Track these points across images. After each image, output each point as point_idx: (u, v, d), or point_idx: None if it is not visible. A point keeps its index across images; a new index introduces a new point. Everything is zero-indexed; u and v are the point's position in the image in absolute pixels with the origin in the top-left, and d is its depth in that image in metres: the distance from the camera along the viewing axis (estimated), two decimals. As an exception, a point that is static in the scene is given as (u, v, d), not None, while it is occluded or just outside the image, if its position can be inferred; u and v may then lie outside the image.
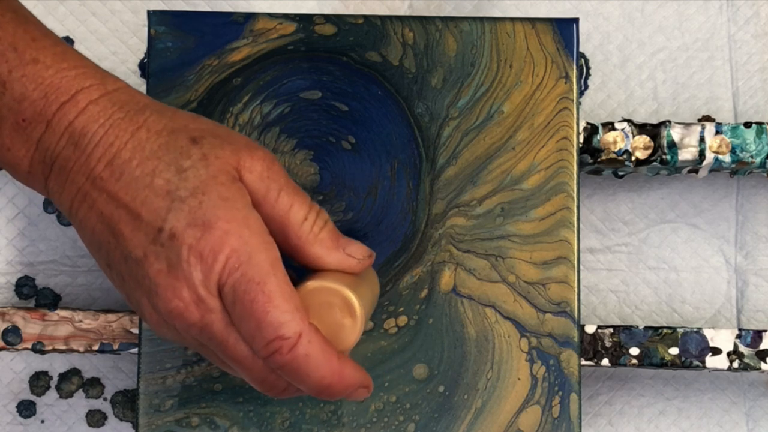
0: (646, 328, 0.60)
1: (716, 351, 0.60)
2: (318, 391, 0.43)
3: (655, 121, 0.65)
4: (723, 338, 0.60)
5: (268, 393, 0.45)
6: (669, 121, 0.61)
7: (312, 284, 0.44)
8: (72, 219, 0.44)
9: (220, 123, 0.55)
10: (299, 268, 0.46)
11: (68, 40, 0.66)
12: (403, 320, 0.55)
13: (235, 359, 0.43)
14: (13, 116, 0.43)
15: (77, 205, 0.43)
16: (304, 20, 0.57)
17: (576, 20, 0.57)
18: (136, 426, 0.55)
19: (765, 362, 0.60)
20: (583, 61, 0.66)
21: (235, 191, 0.42)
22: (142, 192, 0.42)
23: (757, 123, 0.60)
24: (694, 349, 0.60)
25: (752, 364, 0.60)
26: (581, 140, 0.60)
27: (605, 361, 0.59)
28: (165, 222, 0.41)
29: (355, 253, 0.46)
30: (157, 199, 0.42)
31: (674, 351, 0.60)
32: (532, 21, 0.57)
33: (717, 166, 0.61)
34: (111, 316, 0.60)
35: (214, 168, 0.42)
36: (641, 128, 0.60)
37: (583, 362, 0.59)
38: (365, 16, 0.57)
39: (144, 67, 0.66)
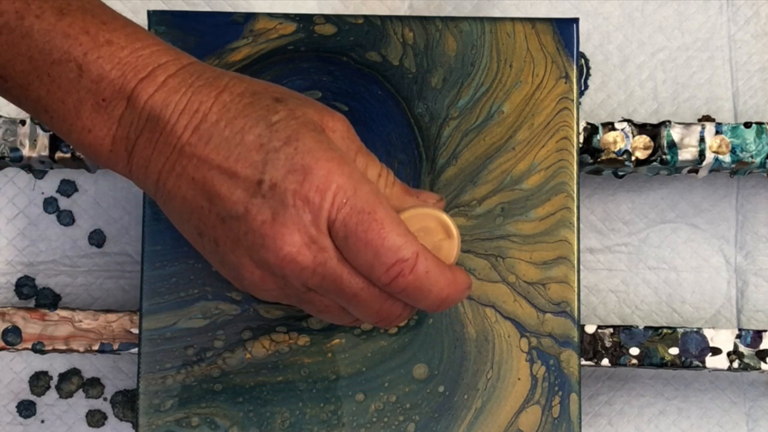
0: (646, 328, 0.60)
1: (716, 351, 0.60)
2: (438, 303, 0.45)
3: (655, 121, 0.65)
4: (723, 338, 0.60)
5: (381, 324, 0.46)
6: (669, 121, 0.61)
7: (408, 213, 0.46)
8: (158, 192, 0.45)
9: None
10: None
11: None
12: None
13: (350, 294, 0.44)
14: (93, 98, 0.44)
15: (165, 176, 0.44)
16: (304, 20, 0.57)
17: (576, 20, 0.57)
18: (136, 426, 0.55)
19: (765, 362, 0.60)
20: (583, 61, 0.66)
21: (326, 137, 0.43)
22: (234, 150, 0.43)
23: (757, 123, 0.60)
24: (694, 349, 0.60)
25: (752, 364, 0.60)
26: (581, 140, 0.60)
27: (605, 361, 0.60)
28: (263, 174, 0.42)
29: (429, 198, 0.47)
30: (251, 154, 0.42)
31: (674, 351, 0.60)
32: (532, 21, 0.57)
33: (717, 166, 0.61)
34: (111, 316, 0.60)
35: (302, 120, 0.43)
36: (641, 128, 0.60)
37: (583, 362, 0.59)
38: (365, 16, 0.57)
39: (144, 67, 0.66)
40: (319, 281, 0.43)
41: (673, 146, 0.60)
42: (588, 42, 0.66)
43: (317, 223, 0.42)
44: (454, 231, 0.47)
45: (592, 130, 0.60)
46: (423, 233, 0.46)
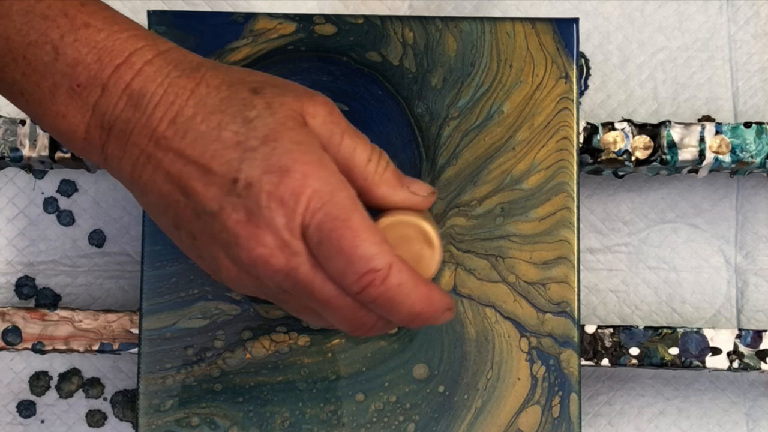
0: (646, 328, 0.60)
1: (716, 351, 0.60)
2: (410, 318, 0.43)
3: (655, 121, 0.65)
4: (723, 338, 0.60)
5: (356, 333, 0.45)
6: (669, 121, 0.61)
7: (387, 220, 0.45)
8: (134, 184, 0.44)
9: None
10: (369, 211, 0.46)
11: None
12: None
13: (322, 300, 0.43)
14: (68, 82, 0.43)
15: (140, 169, 0.43)
16: (304, 20, 0.57)
17: (576, 20, 0.57)
18: (136, 426, 0.55)
19: (765, 362, 0.60)
20: (583, 61, 0.66)
21: (306, 135, 0.42)
22: (210, 146, 0.42)
23: (757, 123, 0.60)
24: (694, 349, 0.60)
25: (752, 364, 0.60)
26: (581, 140, 0.60)
27: (605, 361, 0.59)
28: (239, 172, 0.41)
29: (420, 191, 0.46)
30: (228, 151, 0.42)
31: (674, 351, 0.60)
32: (532, 21, 0.57)
33: (717, 166, 0.61)
34: (111, 316, 0.60)
35: (281, 114, 0.42)
36: (641, 128, 0.60)
37: (583, 362, 0.59)
38: (365, 16, 0.57)
39: (144, 67, 0.66)
40: (292, 285, 0.43)
41: (673, 146, 0.60)
42: (588, 42, 0.66)
43: (291, 227, 0.41)
44: (435, 241, 0.45)
45: (592, 130, 0.60)
46: (403, 242, 0.45)
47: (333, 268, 0.42)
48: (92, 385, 0.65)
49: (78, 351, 0.60)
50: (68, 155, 0.60)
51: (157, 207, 0.44)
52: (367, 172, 0.44)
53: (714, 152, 0.60)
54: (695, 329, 0.60)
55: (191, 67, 0.44)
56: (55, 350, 0.60)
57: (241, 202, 0.41)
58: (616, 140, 0.60)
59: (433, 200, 0.47)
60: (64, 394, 0.65)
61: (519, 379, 0.55)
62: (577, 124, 0.56)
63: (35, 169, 0.65)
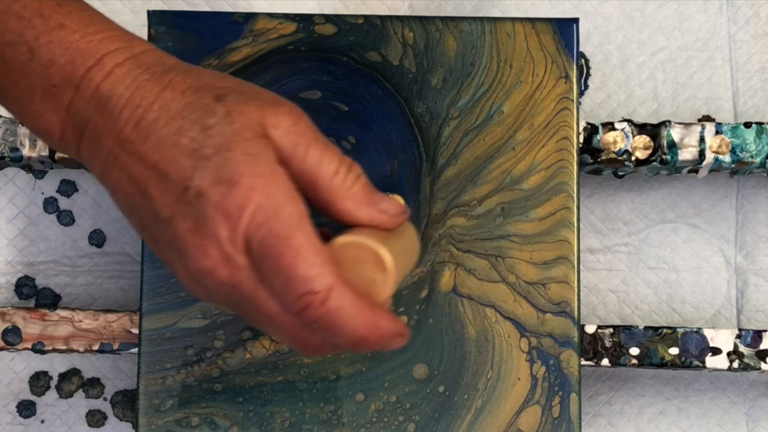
0: (646, 328, 0.60)
1: (716, 351, 0.60)
2: (353, 343, 0.42)
3: (655, 121, 0.65)
4: (723, 338, 0.60)
5: (302, 351, 0.44)
6: (669, 121, 0.61)
7: (342, 239, 0.43)
8: (104, 183, 0.44)
9: None
10: (338, 226, 0.45)
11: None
12: (403, 320, 0.55)
13: (266, 316, 0.42)
14: (43, 82, 0.43)
15: (108, 169, 0.43)
16: (304, 20, 0.57)
17: (576, 20, 0.57)
18: (136, 426, 0.55)
19: (765, 362, 0.60)
20: (583, 61, 0.66)
21: (260, 147, 0.42)
22: (168, 152, 0.42)
23: (757, 123, 0.60)
24: (694, 349, 0.60)
25: (752, 364, 0.60)
26: (581, 140, 0.60)
27: (605, 361, 0.59)
28: (191, 180, 0.41)
29: (388, 209, 0.45)
30: (183, 159, 0.41)
31: (674, 351, 0.60)
32: (532, 21, 0.57)
33: (717, 166, 0.61)
34: (111, 316, 0.60)
35: (239, 124, 0.42)
36: (641, 128, 0.60)
37: (583, 362, 0.59)
38: (365, 16, 0.57)
39: (144, 67, 0.66)
40: (237, 299, 0.42)
41: (673, 146, 0.60)
42: (588, 42, 0.66)
43: (234, 240, 0.41)
44: (389, 266, 0.43)
45: (592, 130, 0.60)
46: (356, 264, 0.43)
47: (274, 285, 0.41)
48: (92, 385, 0.65)
49: (78, 351, 0.60)
50: (68, 155, 0.60)
51: (124, 207, 0.44)
52: (333, 185, 0.43)
53: (714, 152, 0.60)
54: (695, 329, 0.60)
55: (162, 70, 0.44)
56: (55, 350, 0.60)
57: (190, 211, 0.41)
58: (616, 140, 0.60)
59: (404, 220, 0.46)
60: (64, 394, 0.65)
61: (519, 379, 0.55)
62: (577, 124, 0.56)
63: (35, 169, 0.65)
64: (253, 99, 0.43)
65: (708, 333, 0.60)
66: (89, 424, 0.65)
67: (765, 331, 0.60)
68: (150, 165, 0.42)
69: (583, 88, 0.66)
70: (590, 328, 0.60)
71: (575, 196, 0.56)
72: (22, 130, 0.60)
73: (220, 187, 0.41)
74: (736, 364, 0.60)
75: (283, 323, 0.42)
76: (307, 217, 0.41)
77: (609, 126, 0.60)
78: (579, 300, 0.55)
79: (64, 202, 0.66)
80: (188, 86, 0.43)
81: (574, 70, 0.56)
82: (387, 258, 0.43)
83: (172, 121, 0.42)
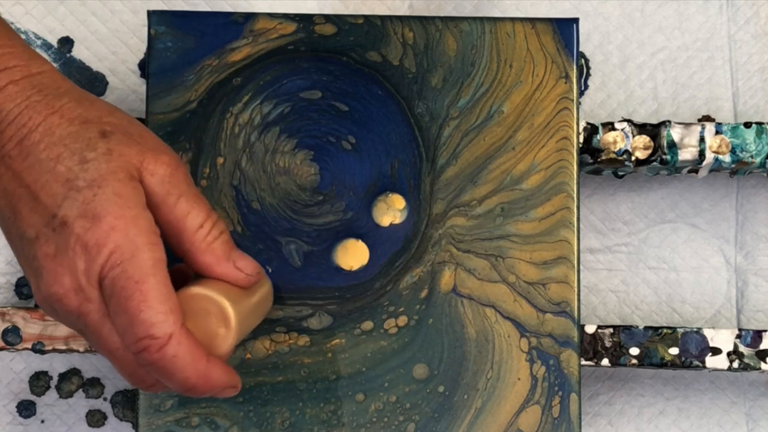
0: (646, 328, 0.60)
1: (716, 351, 0.60)
2: (184, 389, 0.44)
3: (655, 121, 0.65)
4: (723, 338, 0.60)
5: (137, 386, 0.46)
6: (669, 121, 0.61)
7: (193, 290, 0.45)
8: None
9: (217, 122, 0.55)
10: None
11: (68, 40, 0.66)
12: (403, 320, 0.55)
13: (107, 349, 0.44)
14: None
15: None
16: (304, 20, 0.57)
17: (576, 20, 0.57)
18: (136, 426, 0.55)
19: (765, 362, 0.60)
20: (583, 61, 0.66)
21: (131, 189, 0.43)
22: (43, 176, 0.43)
23: (757, 123, 0.60)
24: (694, 349, 0.60)
25: (752, 364, 0.60)
26: (581, 140, 0.60)
27: (605, 361, 0.59)
28: (59, 208, 0.43)
29: (244, 268, 0.47)
30: (56, 185, 0.43)
31: (674, 351, 0.60)
32: (532, 21, 0.57)
33: (717, 166, 0.61)
34: (111, 316, 0.60)
35: (116, 164, 0.44)
36: (641, 128, 0.60)
37: (583, 362, 0.59)
38: (365, 16, 0.57)
39: (144, 67, 0.66)
40: (83, 327, 0.44)
41: (673, 146, 0.60)
42: (588, 42, 0.66)
43: (89, 274, 0.42)
44: (233, 323, 0.45)
45: (592, 130, 0.60)
46: (201, 316, 0.45)
47: (118, 323, 0.43)
48: (92, 385, 0.65)
49: (78, 351, 0.60)
50: None
51: None
52: (195, 238, 0.46)
53: (714, 152, 0.60)
54: (695, 329, 0.60)
55: (55, 94, 0.45)
56: (55, 350, 0.60)
57: (53, 237, 0.43)
58: (616, 140, 0.60)
59: (257, 280, 0.48)
60: (64, 394, 0.65)
61: (519, 379, 0.55)
62: (577, 124, 0.56)
63: (35, 169, 0.65)
64: (137, 142, 0.45)
65: (708, 333, 0.60)
66: (89, 424, 0.65)
67: (765, 331, 0.60)
68: (24, 184, 0.43)
69: (583, 88, 0.66)
70: (590, 328, 0.60)
71: (575, 196, 0.56)
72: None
73: (84, 221, 0.42)
74: (736, 364, 0.60)
75: (122, 358, 0.44)
76: (163, 263, 0.43)
77: (609, 126, 0.60)
78: (579, 300, 0.55)
79: (64, 202, 0.66)
80: (77, 115, 0.45)
81: (574, 70, 0.56)
82: (231, 315, 0.45)
83: (53, 146, 0.44)
